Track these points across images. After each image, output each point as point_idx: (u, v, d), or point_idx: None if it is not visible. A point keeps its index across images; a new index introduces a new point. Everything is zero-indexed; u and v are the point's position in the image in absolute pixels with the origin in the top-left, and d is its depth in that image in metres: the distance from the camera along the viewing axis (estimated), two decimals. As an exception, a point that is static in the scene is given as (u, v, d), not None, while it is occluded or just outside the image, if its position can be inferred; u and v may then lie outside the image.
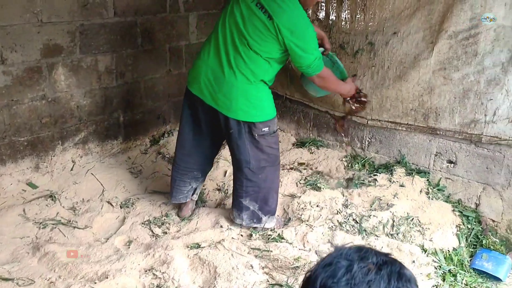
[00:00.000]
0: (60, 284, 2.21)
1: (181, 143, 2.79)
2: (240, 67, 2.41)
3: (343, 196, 3.01)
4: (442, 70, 2.87)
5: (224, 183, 3.29)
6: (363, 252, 0.88)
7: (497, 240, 2.77)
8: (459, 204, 2.92)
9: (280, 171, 2.83)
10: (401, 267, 0.87)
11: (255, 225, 2.72)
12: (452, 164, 2.97)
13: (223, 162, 3.45)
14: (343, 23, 3.32)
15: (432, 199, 2.92)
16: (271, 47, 2.38)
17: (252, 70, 2.41)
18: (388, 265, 0.86)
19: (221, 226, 2.78)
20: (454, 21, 2.75)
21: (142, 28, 3.43)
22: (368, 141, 3.39)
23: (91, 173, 3.22)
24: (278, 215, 2.91)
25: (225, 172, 3.38)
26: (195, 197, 2.96)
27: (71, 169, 3.24)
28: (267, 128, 2.53)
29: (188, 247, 2.56)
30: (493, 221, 2.82)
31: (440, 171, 3.04)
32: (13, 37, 2.74)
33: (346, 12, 3.30)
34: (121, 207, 3.00)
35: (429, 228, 2.73)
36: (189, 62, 3.82)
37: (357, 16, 3.24)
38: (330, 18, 3.36)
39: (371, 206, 2.91)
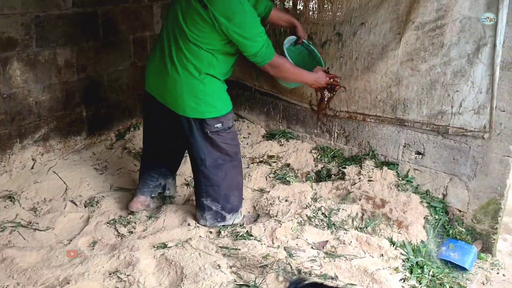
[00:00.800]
0: (19, 291, 2.12)
1: (145, 140, 2.78)
2: (182, 62, 2.32)
3: (312, 189, 2.99)
4: (409, 61, 2.85)
5: (192, 178, 3.22)
6: None
7: (463, 229, 2.81)
8: (427, 195, 2.94)
9: (241, 167, 2.74)
10: None
11: (220, 224, 2.67)
12: (420, 156, 2.98)
13: (192, 157, 3.39)
14: (310, 13, 3.26)
15: (400, 190, 2.92)
16: (211, 38, 2.28)
17: (194, 65, 2.32)
18: None
19: (189, 224, 2.71)
20: (421, 12, 2.73)
21: (103, 19, 3.29)
22: (337, 132, 3.37)
23: (53, 171, 3.10)
24: (249, 212, 2.87)
25: (194, 167, 3.31)
26: (168, 192, 2.93)
27: (32, 168, 3.11)
28: (220, 125, 2.43)
29: (154, 247, 2.49)
30: (460, 211, 2.85)
31: (409, 162, 3.04)
32: (-38, 30, 2.59)
33: (314, 1, 3.24)
34: (85, 206, 2.90)
35: (397, 221, 2.73)
36: (155, 53, 3.71)
37: (325, 6, 3.19)
38: (298, 7, 3.30)
39: (340, 200, 2.90)
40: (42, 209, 2.83)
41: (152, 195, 2.87)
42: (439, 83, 2.76)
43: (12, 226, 2.64)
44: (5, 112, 2.89)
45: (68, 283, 2.17)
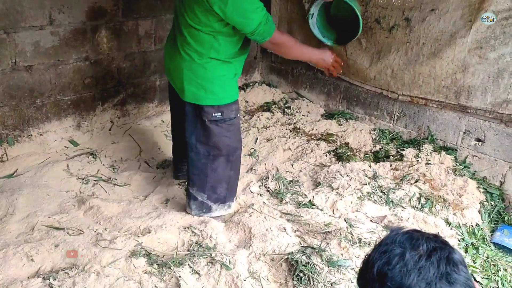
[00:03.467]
0: (107, 235, 2.37)
1: (172, 125, 2.80)
2: (183, 46, 2.26)
3: (371, 168, 3.11)
4: (478, 49, 2.89)
5: (255, 150, 3.40)
6: (414, 240, 0.98)
7: (519, 217, 2.86)
8: (484, 181, 3.00)
9: (239, 164, 2.60)
10: (449, 252, 0.96)
11: (205, 215, 2.59)
12: (480, 142, 3.04)
13: (253, 130, 3.58)
14: (380, -3, 3.33)
15: (458, 175, 3.00)
16: (207, 19, 2.14)
17: (195, 49, 2.24)
18: (437, 252, 0.95)
19: (251, 191, 2.91)
20: (495, 1, 2.76)
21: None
22: (397, 115, 3.46)
23: (129, 134, 3.36)
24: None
25: (256, 139, 3.50)
26: None
27: (109, 129, 3.39)
28: (220, 114, 2.30)
29: (222, 209, 2.69)
30: (517, 199, 2.91)
31: (468, 148, 3.11)
32: (61, -2, 2.84)
33: (384, -14, 3.30)
34: (157, 168, 3.14)
35: (453, 203, 2.82)
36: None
37: (395, -10, 3.25)
38: (368, -9, 3.37)
39: (397, 180, 3.01)
40: (119, 167, 3.10)
41: None
42: (507, 72, 2.80)
43: (94, 180, 2.91)
44: (91, 76, 3.15)
45: (149, 232, 2.42)
